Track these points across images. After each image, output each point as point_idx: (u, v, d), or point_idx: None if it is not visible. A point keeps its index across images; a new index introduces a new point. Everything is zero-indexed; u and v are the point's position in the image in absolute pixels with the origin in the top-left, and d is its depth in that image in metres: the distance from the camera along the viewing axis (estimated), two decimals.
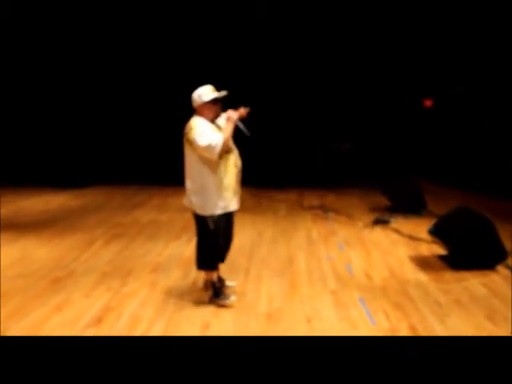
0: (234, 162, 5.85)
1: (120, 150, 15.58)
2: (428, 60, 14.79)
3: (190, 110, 5.93)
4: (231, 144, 5.81)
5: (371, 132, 15.56)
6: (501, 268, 6.99)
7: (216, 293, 5.95)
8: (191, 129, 5.66)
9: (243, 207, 11.15)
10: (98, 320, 5.43)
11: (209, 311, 5.65)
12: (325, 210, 11.18)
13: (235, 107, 5.89)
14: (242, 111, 5.85)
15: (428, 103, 15.60)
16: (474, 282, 6.52)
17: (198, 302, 5.92)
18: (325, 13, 14.50)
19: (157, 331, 5.13)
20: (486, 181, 12.55)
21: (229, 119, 5.75)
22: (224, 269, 6.83)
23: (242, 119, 5.83)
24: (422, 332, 5.05)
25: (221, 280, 6.37)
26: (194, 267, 7.12)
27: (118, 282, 6.63)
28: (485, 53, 13.20)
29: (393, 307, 5.73)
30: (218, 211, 5.73)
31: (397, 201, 10.72)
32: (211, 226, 5.72)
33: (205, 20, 14.66)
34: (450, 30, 13.93)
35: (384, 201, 11.16)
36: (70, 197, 13.00)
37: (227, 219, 5.90)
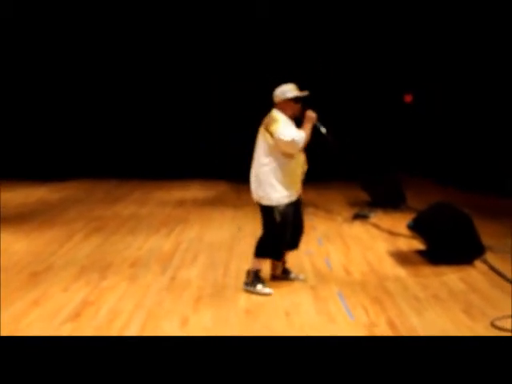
0: (303, 161, 6.10)
1: (101, 143, 15.49)
2: (408, 55, 14.84)
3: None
4: None
5: (351, 126, 15.58)
6: (478, 263, 7.04)
7: (256, 279, 6.06)
8: (275, 121, 5.82)
9: (223, 202, 11.24)
10: (77, 314, 5.40)
11: (188, 306, 5.65)
12: (304, 204, 11.17)
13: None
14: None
15: (408, 98, 15.66)
16: (452, 277, 6.57)
17: (177, 297, 5.91)
18: (302, 13, 14.49)
19: (135, 326, 5.12)
20: (465, 176, 12.63)
21: (309, 118, 5.93)
22: (203, 264, 6.83)
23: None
24: (400, 326, 5.08)
25: (286, 271, 6.48)
26: (173, 262, 7.15)
27: (97, 276, 6.60)
28: (464, 48, 13.28)
29: (371, 302, 5.75)
30: (284, 201, 5.90)
31: (376, 196, 10.77)
32: (278, 217, 5.88)
33: (204, 20, 14.61)
34: (429, 25, 13.98)
35: (364, 195, 11.20)
36: (50, 190, 12.93)
37: (295, 207, 6.07)
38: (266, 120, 5.92)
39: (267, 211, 5.95)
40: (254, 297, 5.91)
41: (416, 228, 7.64)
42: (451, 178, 12.96)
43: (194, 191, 12.86)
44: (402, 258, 7.41)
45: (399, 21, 14.40)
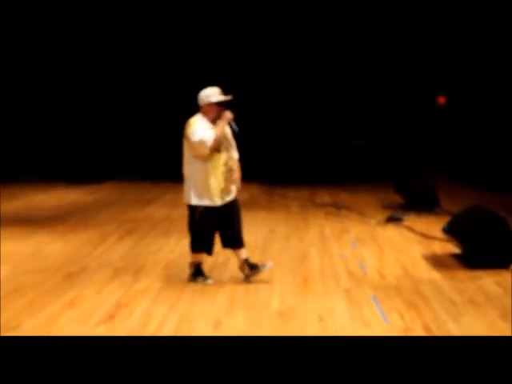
0: (224, 162, 6.25)
1: (133, 145, 15.61)
2: (441, 57, 14.71)
3: (194, 107, 6.19)
4: (227, 144, 6.28)
5: (385, 129, 15.49)
6: None
7: (195, 273, 6.41)
8: (189, 125, 6.18)
9: (255, 204, 11.21)
10: (110, 316, 5.42)
11: (221, 308, 5.63)
12: (337, 207, 11.14)
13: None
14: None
15: (441, 100, 15.51)
16: (488, 281, 6.47)
17: (210, 299, 5.90)
18: (340, 10, 14.46)
19: (169, 328, 5.12)
20: (500, 179, 12.45)
21: (224, 118, 6.17)
22: (236, 267, 6.77)
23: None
24: (436, 331, 5.00)
25: (253, 266, 6.45)
26: (206, 264, 7.13)
27: (130, 278, 6.62)
28: (498, 49, 13.12)
29: (406, 306, 5.68)
30: (203, 203, 6.19)
31: (410, 198, 10.67)
32: (196, 216, 6.24)
33: (204, 20, 14.65)
34: (462, 26, 13.85)
35: (397, 198, 11.10)
36: (84, 192, 13.04)
37: (222, 211, 6.26)
38: (185, 126, 6.24)
39: (189, 210, 6.32)
40: (287, 300, 5.87)
41: (451, 231, 7.54)
42: (486, 180, 12.78)
43: None
44: (436, 261, 7.32)
45: (432, 22, 14.28)
